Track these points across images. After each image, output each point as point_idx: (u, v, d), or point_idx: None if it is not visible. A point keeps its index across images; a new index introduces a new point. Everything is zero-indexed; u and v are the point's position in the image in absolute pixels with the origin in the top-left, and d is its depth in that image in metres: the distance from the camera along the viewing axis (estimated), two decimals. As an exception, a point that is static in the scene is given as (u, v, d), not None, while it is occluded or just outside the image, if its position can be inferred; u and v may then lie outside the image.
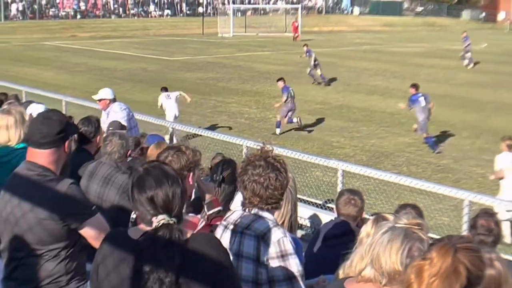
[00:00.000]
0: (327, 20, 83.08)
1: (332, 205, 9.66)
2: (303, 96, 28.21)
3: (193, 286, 3.16)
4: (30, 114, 8.73)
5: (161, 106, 20.88)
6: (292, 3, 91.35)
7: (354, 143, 20.35)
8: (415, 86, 20.82)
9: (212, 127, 20.94)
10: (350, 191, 6.70)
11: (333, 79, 33.23)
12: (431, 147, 19.71)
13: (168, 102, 20.74)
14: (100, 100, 11.88)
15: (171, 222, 3.19)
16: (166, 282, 3.07)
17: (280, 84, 22.64)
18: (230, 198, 5.61)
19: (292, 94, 22.18)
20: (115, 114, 11.41)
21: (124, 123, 10.92)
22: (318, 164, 11.58)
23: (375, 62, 42.07)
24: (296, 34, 58.82)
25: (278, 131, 21.54)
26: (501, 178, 13.46)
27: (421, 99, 20.29)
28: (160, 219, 3.20)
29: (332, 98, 27.93)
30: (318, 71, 32.53)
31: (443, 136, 21.40)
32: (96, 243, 4.09)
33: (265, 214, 4.11)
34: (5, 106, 8.50)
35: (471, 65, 40.43)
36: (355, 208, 6.32)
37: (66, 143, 4.42)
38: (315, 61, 32.57)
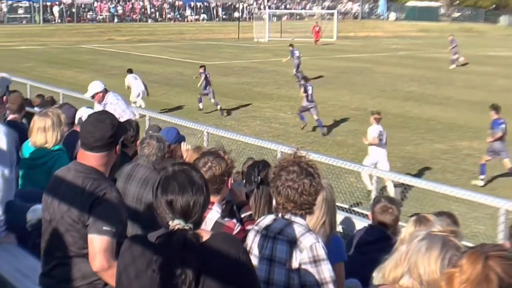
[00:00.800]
0: (363, 25, 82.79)
1: (364, 211, 9.62)
2: (338, 101, 28.19)
3: (214, 284, 3.16)
4: (80, 118, 8.84)
5: (128, 86, 24.85)
6: (328, 8, 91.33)
7: (389, 149, 20.12)
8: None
9: (247, 132, 20.95)
10: (387, 198, 6.65)
11: (366, 84, 33.10)
12: None
13: (135, 83, 24.92)
14: (93, 97, 11.81)
15: (186, 227, 3.19)
16: (186, 284, 3.07)
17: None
18: (270, 198, 5.59)
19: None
20: (112, 105, 11.38)
21: (124, 113, 11.06)
22: (353, 170, 11.53)
23: (411, 68, 41.78)
24: (317, 38, 59.01)
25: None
26: (373, 144, 16.70)
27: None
28: (175, 224, 3.19)
29: (368, 104, 27.75)
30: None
31: (482, 143, 21.14)
32: (91, 259, 4.15)
33: (298, 219, 4.11)
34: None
35: (453, 65, 42.42)
36: (392, 216, 6.28)
37: (117, 146, 4.43)
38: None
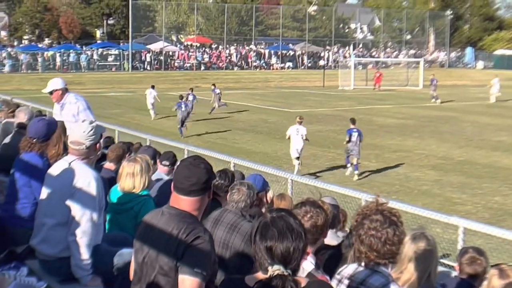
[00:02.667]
0: (449, 74, 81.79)
1: (450, 262, 9.42)
2: (424, 150, 27.84)
3: None
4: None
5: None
6: (415, 56, 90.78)
7: (477, 200, 19.79)
8: None
9: (331, 180, 20.88)
10: (475, 249, 6.48)
11: (453, 133, 32.63)
12: None
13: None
14: (51, 93, 10.75)
15: (285, 273, 3.20)
16: None
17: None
18: None
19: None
20: (70, 105, 10.59)
21: (82, 114, 10.35)
22: (438, 220, 11.33)
23: (499, 117, 41.00)
24: (378, 85, 59.58)
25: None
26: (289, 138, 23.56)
27: None
28: (275, 269, 3.22)
29: (454, 154, 27.35)
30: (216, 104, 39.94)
31: None
32: None
33: (381, 269, 4.06)
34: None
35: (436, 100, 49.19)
36: (480, 268, 6.12)
37: (210, 190, 4.47)
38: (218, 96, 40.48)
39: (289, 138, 23.67)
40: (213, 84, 42.20)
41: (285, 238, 3.26)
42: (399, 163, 24.90)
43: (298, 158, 23.19)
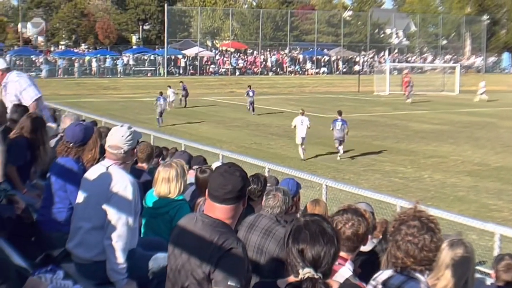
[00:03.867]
0: (486, 79, 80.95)
1: (486, 269, 9.34)
2: (460, 156, 27.63)
3: None
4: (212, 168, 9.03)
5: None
6: (450, 61, 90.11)
7: (510, 206, 19.58)
8: None
9: (365, 185, 20.79)
10: (511, 256, 6.43)
11: (489, 139, 32.33)
12: None
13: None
14: None
15: (316, 276, 3.21)
16: None
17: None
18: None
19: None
20: (12, 83, 10.16)
21: (26, 92, 10.06)
22: (474, 227, 11.22)
23: (537, 123, 40.58)
24: (406, 93, 55.02)
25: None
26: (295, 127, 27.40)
27: None
28: (305, 272, 3.23)
29: (491, 160, 27.09)
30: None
31: None
32: None
33: (417, 276, 4.03)
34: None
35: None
36: (517, 275, 6.07)
37: (245, 198, 4.43)
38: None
39: (294, 127, 27.82)
40: (249, 86, 44.88)
41: (316, 241, 3.28)
42: (434, 169, 24.72)
43: (302, 144, 27.01)
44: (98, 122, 18.53)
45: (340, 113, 28.61)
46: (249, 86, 44.21)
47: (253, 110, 43.08)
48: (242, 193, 4.34)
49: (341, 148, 27.19)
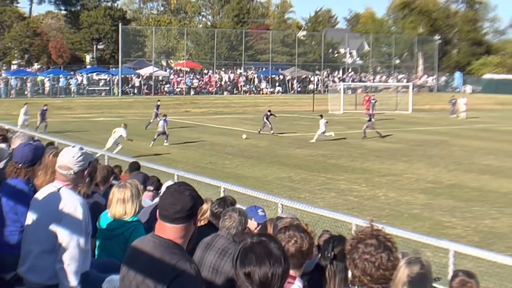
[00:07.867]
0: (438, 98, 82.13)
1: (441, 286, 9.36)
2: (414, 174, 27.89)
3: None
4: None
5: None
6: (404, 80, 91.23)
7: (466, 223, 19.78)
8: None
9: (321, 204, 20.83)
10: (466, 273, 6.47)
11: (442, 157, 32.70)
12: None
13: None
14: None
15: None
16: None
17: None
18: (344, 275, 5.50)
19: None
20: None
21: None
22: (429, 244, 11.30)
23: (487, 141, 41.20)
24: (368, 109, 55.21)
25: None
26: None
27: None
28: (255, 296, 3.19)
29: (444, 177, 27.39)
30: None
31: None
32: None
33: (374, 294, 4.01)
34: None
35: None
36: (471, 291, 6.09)
37: (196, 217, 4.39)
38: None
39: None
40: (269, 110, 46.04)
41: (263, 263, 3.24)
42: (389, 187, 24.89)
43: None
44: (52, 143, 18.30)
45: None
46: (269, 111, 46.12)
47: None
48: (192, 212, 4.29)
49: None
